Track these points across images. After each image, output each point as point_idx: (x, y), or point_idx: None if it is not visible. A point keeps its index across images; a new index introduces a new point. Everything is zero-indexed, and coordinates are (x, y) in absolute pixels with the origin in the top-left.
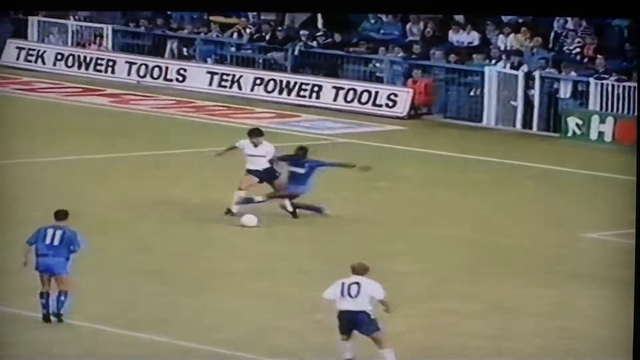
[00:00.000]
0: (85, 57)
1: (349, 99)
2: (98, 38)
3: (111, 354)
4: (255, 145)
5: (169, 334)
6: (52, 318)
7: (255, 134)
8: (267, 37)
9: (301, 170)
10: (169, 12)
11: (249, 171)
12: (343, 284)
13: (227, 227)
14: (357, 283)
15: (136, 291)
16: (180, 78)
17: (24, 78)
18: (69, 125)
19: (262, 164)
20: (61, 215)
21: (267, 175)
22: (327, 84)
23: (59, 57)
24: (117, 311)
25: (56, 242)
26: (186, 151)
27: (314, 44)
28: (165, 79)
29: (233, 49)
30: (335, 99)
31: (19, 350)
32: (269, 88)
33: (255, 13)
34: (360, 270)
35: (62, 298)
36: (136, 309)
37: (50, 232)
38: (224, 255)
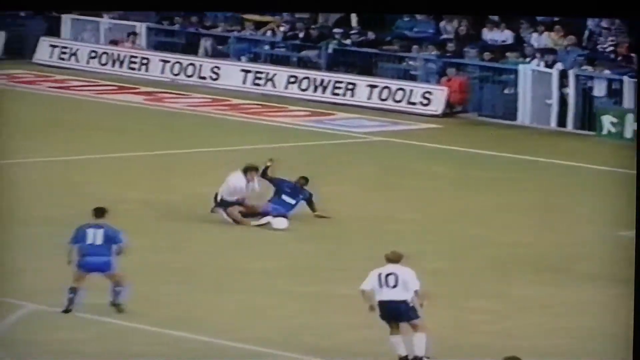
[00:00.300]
0: (119, 55)
1: (383, 97)
2: (132, 36)
3: (139, 352)
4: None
5: (196, 332)
6: (111, 308)
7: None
8: (301, 35)
9: (292, 202)
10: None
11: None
12: (380, 274)
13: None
14: (394, 273)
15: (164, 289)
16: (214, 76)
17: (57, 76)
18: (102, 123)
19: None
20: (100, 212)
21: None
22: (362, 82)
23: (93, 54)
24: (145, 309)
25: (99, 242)
26: (220, 149)
27: (348, 42)
28: (199, 77)
29: (267, 47)
30: (369, 97)
31: (48, 347)
32: (303, 86)
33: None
34: (395, 258)
35: (117, 289)
36: (164, 306)
37: (90, 231)
38: (252, 253)
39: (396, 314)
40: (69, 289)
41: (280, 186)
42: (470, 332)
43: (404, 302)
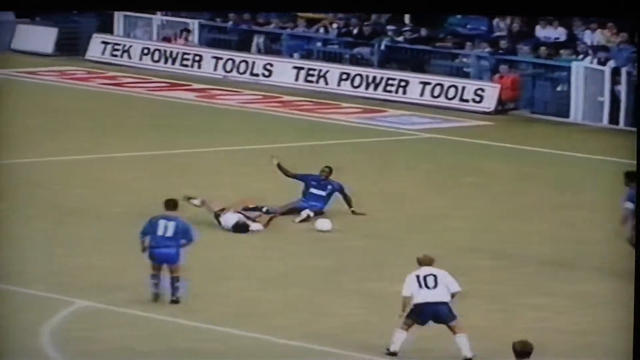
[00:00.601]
0: (171, 52)
1: (435, 94)
2: (184, 33)
3: (192, 349)
4: None
5: (249, 329)
6: (170, 303)
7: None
8: (354, 32)
9: (322, 193)
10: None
11: None
12: (418, 276)
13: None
14: (433, 275)
15: (218, 286)
16: (267, 73)
17: (109, 73)
18: (154, 120)
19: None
20: (171, 205)
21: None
22: (414, 79)
23: (145, 51)
24: (199, 306)
25: (170, 234)
26: (272, 146)
27: (401, 39)
28: (252, 73)
29: (319, 44)
30: (421, 94)
31: (101, 345)
32: (356, 83)
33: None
34: (427, 261)
35: (177, 284)
36: (217, 303)
37: (162, 223)
38: (306, 250)
39: (436, 315)
40: (150, 277)
41: (306, 180)
42: (525, 330)
43: (445, 303)
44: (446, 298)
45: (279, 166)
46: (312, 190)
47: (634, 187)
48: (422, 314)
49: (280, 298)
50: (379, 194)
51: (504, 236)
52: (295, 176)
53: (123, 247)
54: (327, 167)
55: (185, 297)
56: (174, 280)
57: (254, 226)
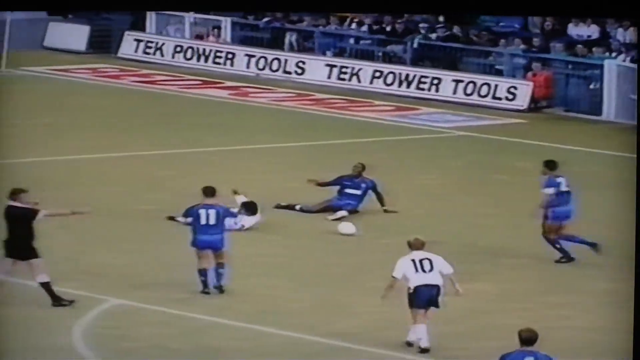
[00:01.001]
0: (204, 50)
1: (468, 91)
2: (216, 30)
3: (223, 347)
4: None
5: (280, 327)
6: (213, 290)
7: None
8: (387, 30)
9: (357, 192)
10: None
11: None
12: (413, 260)
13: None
14: (429, 258)
15: (251, 283)
16: (299, 71)
17: (142, 70)
18: (186, 118)
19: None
20: (210, 192)
21: None
22: (447, 76)
23: (178, 49)
24: (230, 303)
25: (212, 222)
26: (305, 144)
27: (434, 36)
28: (284, 71)
29: (352, 41)
30: (454, 92)
31: (135, 343)
32: (388, 81)
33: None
34: (418, 245)
35: (220, 270)
36: (248, 301)
37: (203, 212)
38: (334, 248)
39: (430, 299)
40: (198, 272)
41: (339, 183)
42: (550, 328)
43: (438, 287)
44: (440, 282)
45: (318, 184)
46: (347, 190)
47: (554, 175)
48: (421, 296)
49: (307, 296)
50: (411, 191)
51: (535, 234)
52: (329, 184)
53: (155, 245)
54: (359, 163)
55: (228, 285)
56: (218, 267)
57: (248, 221)
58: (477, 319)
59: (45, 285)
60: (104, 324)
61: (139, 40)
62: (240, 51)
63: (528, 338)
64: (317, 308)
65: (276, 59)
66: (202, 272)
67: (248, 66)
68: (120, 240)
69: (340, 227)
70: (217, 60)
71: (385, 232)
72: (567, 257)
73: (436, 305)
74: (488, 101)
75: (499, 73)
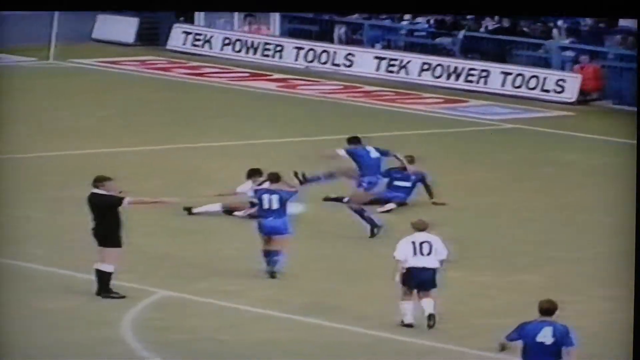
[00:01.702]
0: (252, 42)
1: (517, 84)
2: (266, 23)
3: (273, 339)
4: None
5: (332, 319)
6: (267, 276)
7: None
8: (436, 23)
9: (407, 184)
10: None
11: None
12: (414, 243)
13: (388, 213)
14: (428, 241)
15: (302, 276)
16: (348, 63)
17: (190, 63)
18: (235, 110)
19: None
20: (273, 178)
21: None
22: (495, 69)
23: (226, 41)
24: (281, 296)
25: (275, 206)
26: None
27: (483, 29)
28: (333, 64)
29: (401, 34)
30: (503, 85)
31: (184, 335)
32: (437, 73)
33: None
34: (423, 226)
35: (276, 257)
36: (301, 294)
37: (265, 197)
38: (384, 241)
39: (425, 281)
40: (263, 253)
41: (389, 175)
42: (598, 322)
43: (434, 270)
44: (436, 265)
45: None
46: (396, 182)
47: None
48: (412, 277)
49: (356, 288)
50: (459, 184)
51: (582, 228)
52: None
53: (204, 236)
54: (408, 155)
55: (281, 271)
56: (275, 253)
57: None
58: (526, 312)
59: (104, 275)
60: (153, 316)
61: (187, 33)
62: (289, 44)
63: (547, 309)
64: (366, 300)
65: (325, 51)
66: (266, 253)
67: (297, 58)
68: (170, 232)
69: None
70: (266, 52)
71: (433, 225)
72: (376, 227)
73: (428, 287)
74: (536, 94)
75: (548, 66)
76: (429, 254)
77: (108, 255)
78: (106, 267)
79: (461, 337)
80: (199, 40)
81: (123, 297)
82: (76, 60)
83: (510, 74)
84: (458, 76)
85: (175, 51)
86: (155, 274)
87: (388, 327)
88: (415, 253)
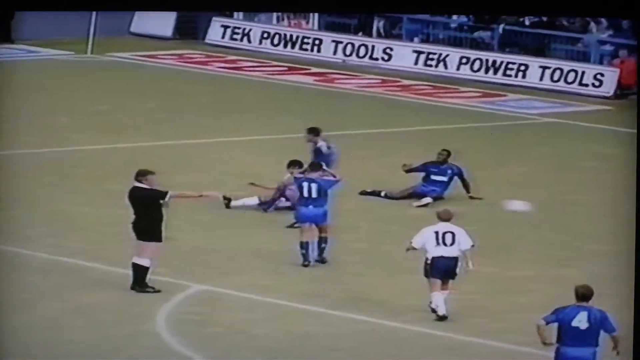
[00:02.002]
0: (291, 36)
1: (555, 78)
2: (304, 16)
3: (309, 334)
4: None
5: (368, 313)
6: (314, 263)
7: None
8: (475, 16)
9: (444, 178)
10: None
11: None
12: (437, 232)
13: (424, 208)
14: (452, 232)
15: (339, 270)
16: (386, 57)
17: (229, 57)
18: (273, 104)
19: None
20: (315, 167)
21: None
22: (534, 63)
23: (265, 35)
24: (318, 291)
25: (314, 195)
26: (390, 130)
27: (522, 22)
28: (371, 58)
29: (440, 27)
30: (541, 79)
31: (218, 329)
32: (475, 67)
33: None
34: (446, 216)
35: (323, 245)
36: (337, 288)
37: (305, 185)
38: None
39: (447, 271)
40: (299, 245)
41: (425, 170)
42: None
43: (456, 259)
44: (458, 254)
45: (405, 171)
46: (433, 176)
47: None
48: (437, 268)
49: (392, 282)
50: (497, 178)
51: (621, 221)
52: (415, 169)
53: (238, 230)
54: (445, 150)
55: (329, 258)
56: (321, 241)
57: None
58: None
59: (141, 270)
60: (188, 310)
61: (226, 27)
62: (328, 37)
63: (583, 294)
64: (403, 294)
65: (363, 45)
66: (303, 245)
67: (335, 52)
68: (206, 226)
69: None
70: (304, 46)
71: (471, 219)
72: None
73: (453, 277)
74: (575, 88)
75: (587, 60)
76: (452, 244)
77: (146, 249)
78: (143, 262)
79: (498, 331)
80: (237, 34)
81: (158, 291)
82: (114, 54)
83: (548, 68)
84: (496, 70)
85: (214, 45)
86: (190, 268)
87: (424, 321)
88: (437, 243)
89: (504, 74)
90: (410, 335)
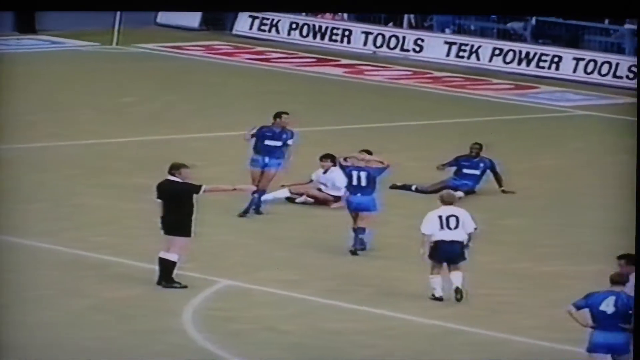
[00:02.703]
0: (320, 27)
1: (589, 70)
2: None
3: (335, 330)
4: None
5: (398, 309)
6: (351, 254)
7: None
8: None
9: (476, 172)
10: None
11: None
12: (440, 217)
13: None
14: (456, 216)
15: (367, 265)
16: (418, 48)
17: (256, 48)
18: (302, 96)
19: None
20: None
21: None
22: (567, 54)
23: (294, 26)
24: (346, 286)
25: (363, 183)
26: (421, 123)
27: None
28: (402, 49)
29: (472, 18)
30: (574, 71)
31: (246, 325)
32: (508, 59)
33: None
34: (449, 200)
35: (361, 235)
36: (366, 283)
37: (354, 173)
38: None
39: (452, 255)
40: (351, 229)
41: (458, 164)
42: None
43: (461, 243)
44: (463, 238)
45: (438, 167)
46: (465, 170)
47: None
48: (440, 251)
49: (423, 278)
50: (529, 172)
51: None
52: (448, 164)
53: (267, 224)
54: (477, 143)
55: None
56: (360, 230)
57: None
58: None
59: (169, 264)
60: (215, 306)
61: (254, 17)
62: (358, 28)
63: (613, 279)
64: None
65: (394, 36)
66: (356, 230)
67: (365, 44)
68: (233, 221)
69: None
70: (334, 37)
71: (503, 214)
72: None
73: (457, 261)
74: (609, 80)
75: (621, 51)
76: (456, 227)
77: (175, 244)
78: (171, 256)
79: (531, 328)
80: (265, 24)
81: (185, 286)
82: (140, 46)
83: (582, 59)
84: (529, 62)
85: (241, 36)
86: (218, 263)
87: (456, 317)
88: (442, 227)
89: (537, 66)
90: (442, 332)
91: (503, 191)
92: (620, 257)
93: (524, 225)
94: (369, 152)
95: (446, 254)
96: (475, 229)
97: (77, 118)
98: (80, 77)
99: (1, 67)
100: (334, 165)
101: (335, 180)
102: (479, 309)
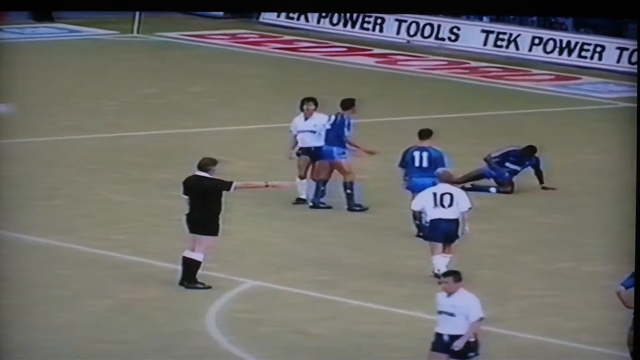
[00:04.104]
0: (351, 15)
1: (633, 60)
2: None
3: (368, 332)
4: (306, 118)
5: (431, 311)
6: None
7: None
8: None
9: (517, 168)
10: None
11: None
12: (435, 194)
13: (496, 198)
14: (450, 193)
15: (397, 264)
16: (453, 37)
17: (284, 37)
18: (332, 87)
19: (312, 141)
20: (424, 134)
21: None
22: (610, 44)
23: (323, 14)
24: (377, 288)
25: (425, 164)
26: (457, 115)
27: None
28: (437, 38)
29: None
30: (618, 61)
31: (272, 328)
32: (548, 48)
33: None
34: (446, 177)
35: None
36: (398, 284)
37: (417, 154)
38: (492, 227)
39: (448, 233)
40: (412, 215)
41: (505, 158)
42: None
43: (456, 221)
44: (457, 216)
45: (490, 158)
46: (507, 164)
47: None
48: (437, 230)
49: (464, 278)
50: (570, 167)
51: None
52: (493, 158)
53: (294, 223)
54: (531, 146)
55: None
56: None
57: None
58: None
59: (193, 264)
60: (240, 308)
61: None
62: (390, 16)
63: None
64: (474, 291)
65: (429, 24)
66: (416, 216)
67: (398, 32)
68: (259, 218)
69: None
70: (366, 25)
71: (543, 211)
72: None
73: (451, 240)
74: None
75: None
76: (450, 205)
77: (201, 243)
78: (197, 256)
79: (573, 331)
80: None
81: (209, 287)
82: (162, 34)
83: (626, 49)
84: (571, 51)
85: (269, 24)
86: (243, 262)
87: (495, 321)
88: (435, 205)
89: (579, 56)
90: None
91: (544, 188)
92: None
93: (565, 223)
94: (429, 133)
95: (442, 233)
96: (470, 208)
97: (97, 110)
98: (100, 68)
99: (17, 57)
100: (316, 108)
101: (318, 127)
102: (517, 310)
